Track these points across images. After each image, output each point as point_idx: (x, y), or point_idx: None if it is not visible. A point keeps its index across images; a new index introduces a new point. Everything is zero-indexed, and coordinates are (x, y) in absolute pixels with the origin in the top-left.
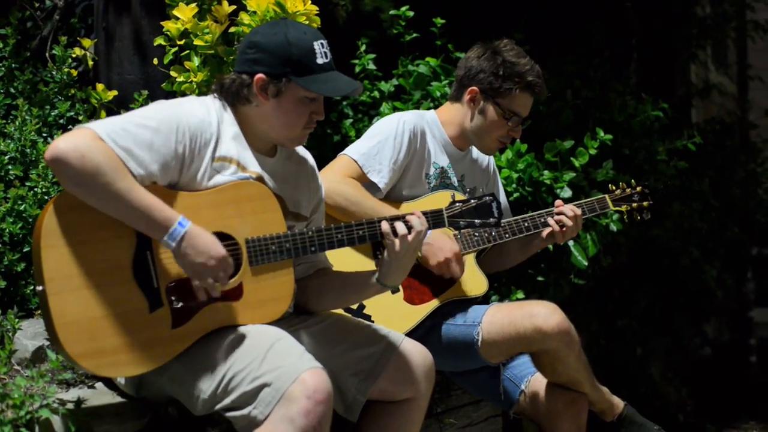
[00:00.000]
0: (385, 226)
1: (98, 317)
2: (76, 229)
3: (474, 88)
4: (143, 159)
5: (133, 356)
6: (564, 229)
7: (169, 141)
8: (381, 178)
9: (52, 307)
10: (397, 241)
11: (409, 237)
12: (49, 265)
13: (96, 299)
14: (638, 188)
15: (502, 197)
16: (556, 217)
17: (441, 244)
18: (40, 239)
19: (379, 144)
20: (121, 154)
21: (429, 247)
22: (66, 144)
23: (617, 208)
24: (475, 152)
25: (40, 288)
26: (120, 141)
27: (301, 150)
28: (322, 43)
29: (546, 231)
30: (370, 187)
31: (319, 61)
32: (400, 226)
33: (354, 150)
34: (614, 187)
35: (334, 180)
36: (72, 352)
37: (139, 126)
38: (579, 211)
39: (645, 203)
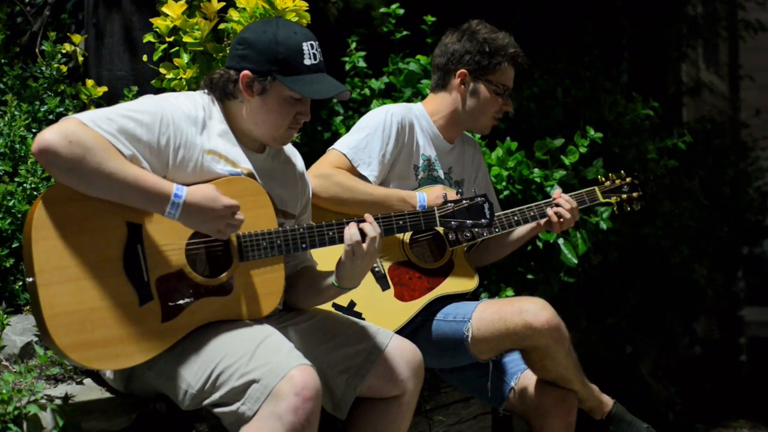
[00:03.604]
0: (345, 231)
1: (88, 309)
2: (67, 222)
3: (462, 70)
4: (128, 145)
5: (122, 349)
6: (561, 220)
7: (152, 132)
8: (371, 171)
9: (41, 298)
10: (351, 247)
11: (364, 245)
12: (39, 256)
13: (86, 291)
14: (628, 179)
15: (492, 192)
16: (556, 209)
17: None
18: (31, 231)
19: (368, 137)
20: (107, 137)
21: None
22: (51, 134)
23: (607, 200)
24: (463, 145)
25: (30, 279)
26: (105, 126)
27: (289, 149)
28: (311, 44)
29: (543, 221)
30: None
31: (307, 62)
32: (354, 232)
33: (343, 144)
34: (604, 179)
35: (324, 173)
36: (61, 344)
37: (123, 117)
38: (575, 203)
39: (635, 194)
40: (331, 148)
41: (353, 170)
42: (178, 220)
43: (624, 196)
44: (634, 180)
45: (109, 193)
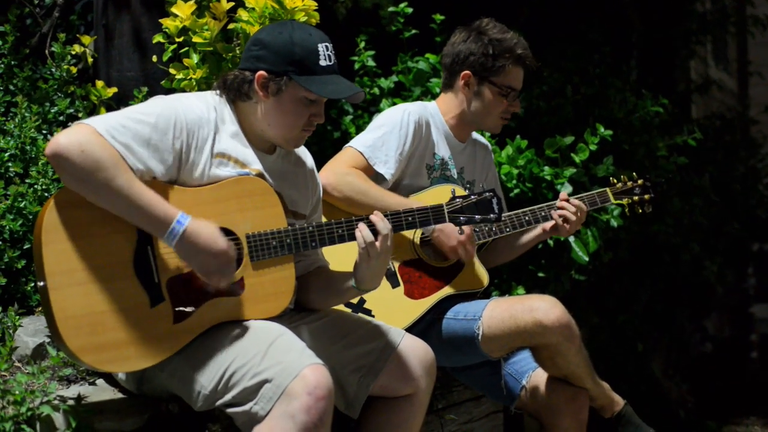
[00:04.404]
0: (357, 234)
1: (99, 312)
2: (77, 225)
3: (466, 72)
4: (142, 155)
5: (134, 351)
6: (567, 224)
7: (167, 137)
8: (387, 169)
9: (53, 302)
10: (365, 249)
11: (377, 243)
12: (50, 260)
13: (97, 294)
14: (639, 181)
15: (500, 192)
16: (560, 212)
17: (452, 228)
18: (41, 235)
19: (385, 135)
20: (120, 150)
21: (440, 233)
22: (66, 139)
23: (618, 201)
24: (475, 145)
25: (41, 283)
26: (119, 137)
27: (301, 148)
28: (326, 46)
29: (549, 224)
30: (376, 178)
31: (322, 63)
32: (366, 233)
33: (359, 142)
34: (615, 181)
35: (340, 171)
36: (73, 347)
37: (137, 122)
38: (584, 207)
39: (646, 196)
40: (347, 145)
41: (369, 168)
42: (174, 250)
43: (635, 198)
44: (646, 182)
45: (114, 209)
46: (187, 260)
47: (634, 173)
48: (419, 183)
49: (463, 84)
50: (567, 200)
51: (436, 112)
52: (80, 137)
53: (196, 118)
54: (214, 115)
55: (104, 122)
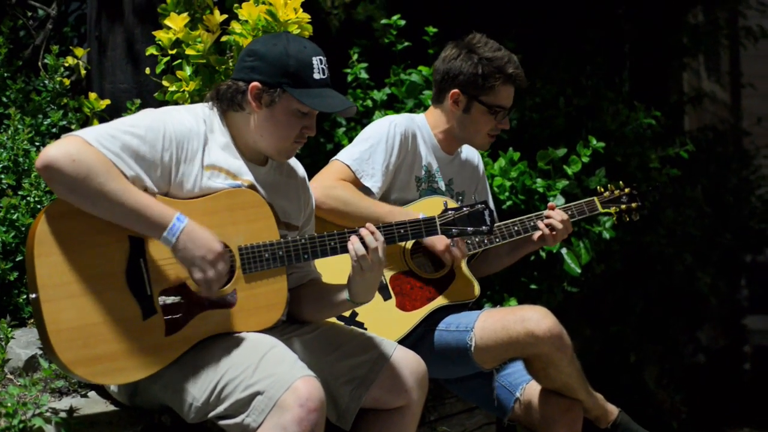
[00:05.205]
0: (349, 246)
1: (92, 324)
2: (69, 237)
3: (455, 90)
4: (132, 163)
5: (126, 363)
6: (554, 232)
7: (155, 149)
8: (374, 182)
9: (45, 314)
10: (358, 261)
11: (368, 256)
12: (42, 272)
13: (89, 306)
14: (627, 189)
15: (491, 202)
16: (546, 221)
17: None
18: (34, 247)
19: (371, 148)
20: (111, 157)
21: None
22: (56, 150)
23: (606, 210)
24: (464, 156)
25: (33, 295)
26: (109, 145)
27: (293, 161)
28: (320, 59)
29: (536, 234)
30: (363, 191)
31: (316, 76)
32: (358, 246)
33: (346, 155)
34: (602, 189)
35: (327, 184)
36: (65, 359)
37: (126, 133)
38: (566, 216)
39: (634, 204)
40: (334, 158)
41: (357, 182)
42: (172, 250)
43: (623, 206)
44: (633, 190)
45: (109, 214)
46: (185, 258)
47: (621, 182)
48: (408, 196)
49: (452, 102)
50: (554, 209)
51: (424, 124)
52: (70, 148)
53: (186, 130)
54: (203, 127)
55: (93, 132)
